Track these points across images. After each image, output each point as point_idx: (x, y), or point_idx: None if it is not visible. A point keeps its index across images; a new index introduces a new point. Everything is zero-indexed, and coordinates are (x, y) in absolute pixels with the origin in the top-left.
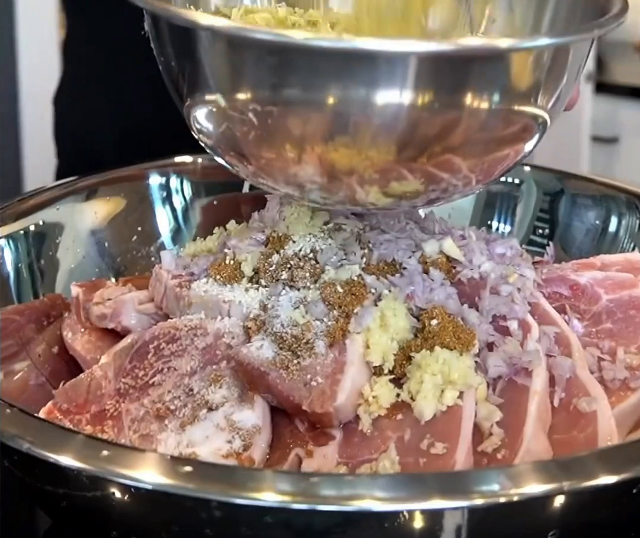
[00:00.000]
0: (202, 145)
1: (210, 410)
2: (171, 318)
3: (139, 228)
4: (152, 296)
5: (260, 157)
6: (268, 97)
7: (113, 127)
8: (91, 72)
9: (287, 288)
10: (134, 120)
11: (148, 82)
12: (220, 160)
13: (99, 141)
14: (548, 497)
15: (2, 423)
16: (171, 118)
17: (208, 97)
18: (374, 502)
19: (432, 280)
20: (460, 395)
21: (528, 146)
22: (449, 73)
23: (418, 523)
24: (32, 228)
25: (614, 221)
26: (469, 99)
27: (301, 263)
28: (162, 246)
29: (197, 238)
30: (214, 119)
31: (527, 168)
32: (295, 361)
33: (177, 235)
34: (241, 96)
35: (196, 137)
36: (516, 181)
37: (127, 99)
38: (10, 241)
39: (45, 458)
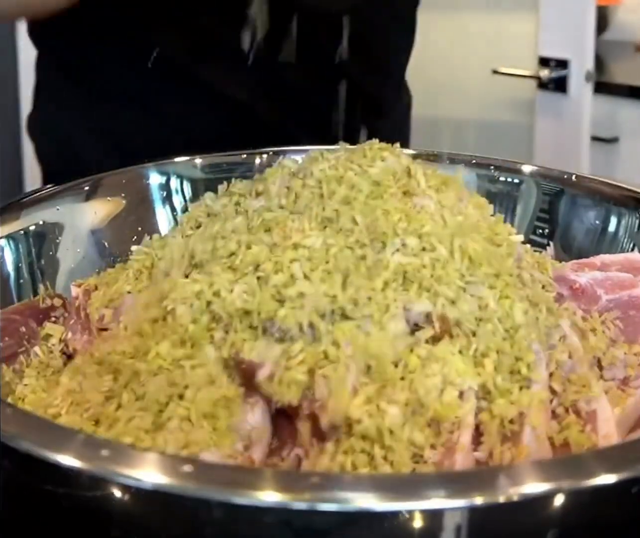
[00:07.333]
0: None
1: None
2: None
3: (139, 228)
4: None
5: None
6: None
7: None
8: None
9: None
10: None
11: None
12: None
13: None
14: (548, 497)
15: (2, 423)
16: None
17: None
18: (374, 502)
19: None
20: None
21: None
22: None
23: (418, 523)
24: (32, 228)
25: (613, 221)
26: None
27: None
28: None
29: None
30: None
31: (527, 168)
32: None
33: None
34: None
35: None
36: (516, 181)
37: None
38: (10, 241)
39: (45, 458)
